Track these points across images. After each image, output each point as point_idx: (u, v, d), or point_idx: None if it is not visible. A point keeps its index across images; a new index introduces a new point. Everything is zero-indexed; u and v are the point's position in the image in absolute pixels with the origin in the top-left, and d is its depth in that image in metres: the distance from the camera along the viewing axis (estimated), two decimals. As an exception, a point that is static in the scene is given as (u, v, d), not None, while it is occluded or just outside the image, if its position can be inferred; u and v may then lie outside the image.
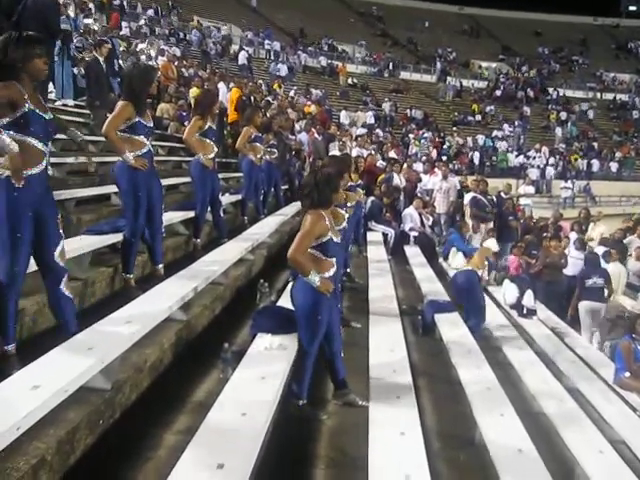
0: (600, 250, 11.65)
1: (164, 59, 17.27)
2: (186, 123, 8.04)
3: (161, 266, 5.57)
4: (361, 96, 35.54)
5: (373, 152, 17.01)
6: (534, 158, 32.80)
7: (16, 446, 2.67)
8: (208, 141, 6.89)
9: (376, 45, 44.13)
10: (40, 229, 3.63)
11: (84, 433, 3.18)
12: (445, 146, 30.63)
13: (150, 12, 31.53)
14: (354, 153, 15.26)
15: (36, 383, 2.90)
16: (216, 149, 7.06)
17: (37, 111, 3.55)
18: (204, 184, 6.90)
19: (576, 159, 34.32)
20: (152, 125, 5.43)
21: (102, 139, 9.47)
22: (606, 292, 10.18)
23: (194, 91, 13.07)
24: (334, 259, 4.42)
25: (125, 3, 30.34)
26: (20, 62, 3.50)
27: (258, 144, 8.91)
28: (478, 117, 37.60)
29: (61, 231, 3.82)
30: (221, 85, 15.58)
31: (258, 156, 8.85)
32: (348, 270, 8.29)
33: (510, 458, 3.90)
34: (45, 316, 4.15)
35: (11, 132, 3.46)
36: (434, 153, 27.95)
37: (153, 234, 5.42)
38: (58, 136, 5.23)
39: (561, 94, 42.61)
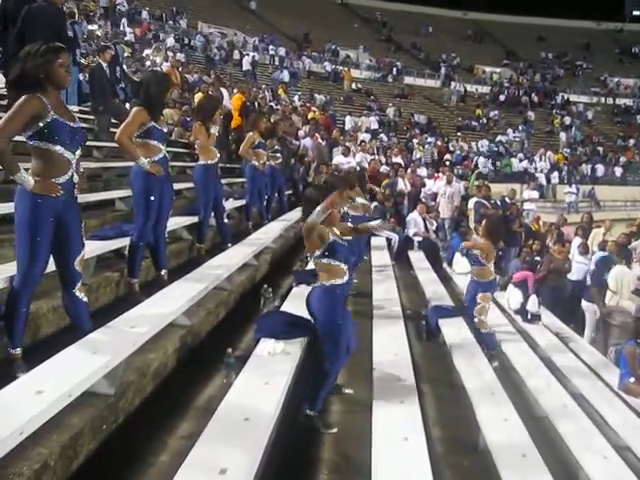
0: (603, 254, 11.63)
1: (168, 64, 17.31)
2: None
3: (165, 271, 5.60)
4: (365, 101, 35.55)
5: (376, 157, 17.04)
6: (538, 161, 32.75)
7: (19, 451, 2.67)
8: (211, 147, 6.94)
9: (380, 50, 44.17)
10: (64, 236, 3.69)
11: (87, 438, 3.18)
12: (457, 152, 30.58)
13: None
14: (358, 158, 15.30)
15: (40, 388, 2.90)
16: (218, 155, 7.10)
17: (62, 119, 3.57)
18: (207, 189, 6.94)
19: (563, 159, 34.13)
20: (166, 130, 5.53)
21: (106, 144, 9.57)
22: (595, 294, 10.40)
23: (199, 96, 13.10)
24: (345, 266, 4.49)
25: (128, 9, 30.51)
26: (44, 73, 3.55)
27: (261, 150, 8.93)
28: (482, 122, 37.56)
29: (84, 240, 3.90)
30: (223, 90, 15.62)
31: (261, 162, 8.87)
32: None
33: (514, 463, 3.88)
34: (50, 321, 4.17)
35: (36, 142, 3.53)
36: (447, 156, 28.05)
37: (156, 238, 5.45)
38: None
39: (565, 99, 42.59)
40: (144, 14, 31.88)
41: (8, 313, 3.58)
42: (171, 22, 33.54)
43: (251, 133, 8.81)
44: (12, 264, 3.76)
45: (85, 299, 3.92)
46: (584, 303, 10.33)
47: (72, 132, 3.65)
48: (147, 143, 5.16)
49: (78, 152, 3.74)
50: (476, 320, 7.10)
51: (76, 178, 3.74)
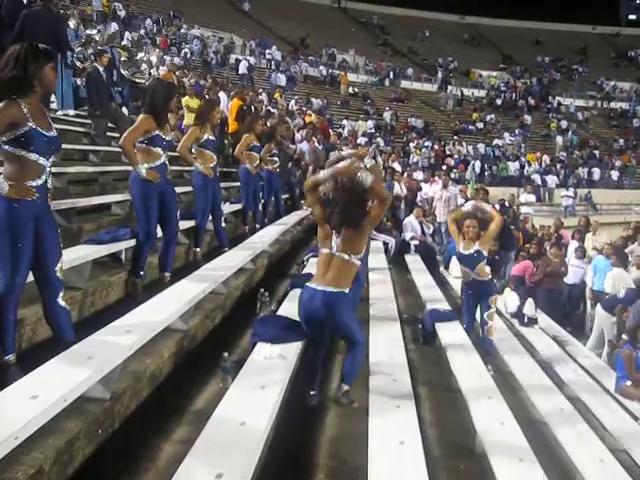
0: (601, 257, 11.66)
1: (164, 69, 17.34)
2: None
3: (168, 274, 5.75)
4: (362, 105, 35.61)
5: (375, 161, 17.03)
6: (531, 165, 32.93)
7: (14, 456, 2.66)
8: (207, 152, 6.94)
9: (377, 54, 44.26)
10: (41, 243, 3.65)
11: (83, 443, 3.17)
12: (455, 156, 30.68)
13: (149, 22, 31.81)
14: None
15: (35, 392, 2.90)
16: (215, 159, 7.10)
17: (39, 129, 3.55)
18: (205, 193, 6.94)
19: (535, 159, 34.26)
20: (170, 139, 5.63)
21: (103, 148, 9.57)
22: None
23: (186, 100, 13.09)
24: None
25: (127, 13, 30.53)
26: (34, 75, 3.54)
27: (254, 153, 8.91)
28: (479, 125, 37.65)
29: (61, 247, 3.86)
30: (221, 94, 15.62)
31: (254, 165, 8.86)
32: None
33: (511, 467, 3.87)
34: (45, 326, 4.15)
35: (10, 148, 3.50)
36: (450, 160, 28.28)
37: (167, 241, 5.67)
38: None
39: (561, 103, 42.72)
40: (148, 21, 32.05)
41: None
42: (184, 28, 33.53)
43: (247, 134, 8.80)
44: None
45: (67, 307, 3.88)
46: (601, 312, 10.14)
47: (48, 142, 3.63)
48: (149, 150, 5.31)
49: (52, 159, 3.72)
50: (486, 326, 7.03)
51: (50, 184, 3.72)
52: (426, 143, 30.53)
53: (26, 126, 3.49)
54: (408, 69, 42.70)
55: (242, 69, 30.53)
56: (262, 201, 9.86)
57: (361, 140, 24.70)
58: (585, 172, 34.74)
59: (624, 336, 9.03)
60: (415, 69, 43.45)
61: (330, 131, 20.37)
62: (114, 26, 26.96)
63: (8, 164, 3.55)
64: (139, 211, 5.40)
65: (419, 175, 19.16)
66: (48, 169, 3.67)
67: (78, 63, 12.12)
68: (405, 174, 17.04)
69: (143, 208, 5.33)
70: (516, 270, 10.24)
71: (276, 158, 10.12)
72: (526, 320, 8.88)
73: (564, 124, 39.79)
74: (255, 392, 3.80)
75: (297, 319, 4.96)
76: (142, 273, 5.49)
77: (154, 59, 19.31)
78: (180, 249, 7.06)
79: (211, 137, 7.02)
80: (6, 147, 3.51)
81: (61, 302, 3.79)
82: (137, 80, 13.82)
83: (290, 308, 5.57)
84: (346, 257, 4.51)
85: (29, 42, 3.64)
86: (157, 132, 5.29)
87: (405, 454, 3.55)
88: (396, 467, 3.40)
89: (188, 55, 29.18)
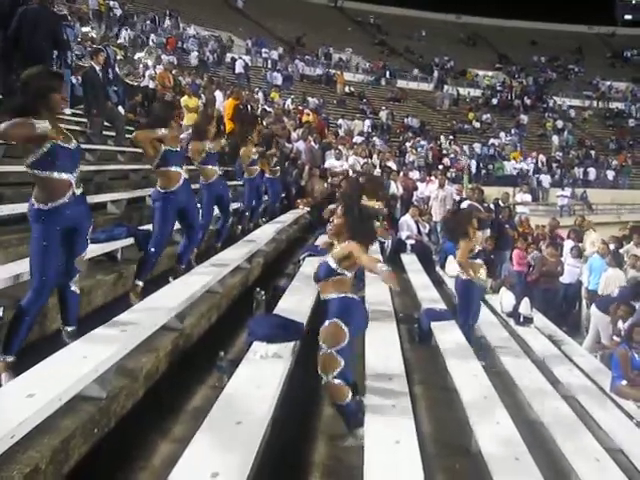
0: (596, 257, 11.68)
1: (161, 67, 17.30)
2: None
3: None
4: (358, 104, 35.59)
5: (369, 161, 17.05)
6: (529, 164, 33.01)
7: (10, 455, 2.66)
8: (210, 167, 6.93)
9: (373, 54, 44.22)
10: (70, 239, 3.86)
11: (79, 442, 3.17)
12: (452, 155, 30.72)
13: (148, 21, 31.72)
14: (350, 161, 15.31)
15: (31, 391, 2.89)
16: (219, 172, 7.11)
17: (61, 144, 3.62)
18: (209, 206, 7.00)
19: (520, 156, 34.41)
20: (179, 149, 5.64)
21: (99, 147, 9.54)
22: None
23: (185, 100, 13.05)
24: None
25: (122, 11, 30.41)
26: (41, 100, 3.58)
27: (255, 167, 8.96)
28: (475, 125, 37.68)
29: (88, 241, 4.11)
30: (217, 93, 15.61)
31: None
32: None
33: (506, 466, 3.88)
34: (40, 324, 4.15)
35: (37, 170, 3.58)
36: (446, 160, 28.37)
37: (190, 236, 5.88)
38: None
39: (558, 102, 42.79)
40: (167, 22, 32.05)
41: (15, 323, 3.62)
42: (181, 27, 33.48)
43: (245, 148, 8.81)
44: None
45: (78, 291, 4.08)
46: (596, 312, 10.14)
47: (71, 155, 3.72)
48: (167, 172, 5.34)
49: (78, 169, 3.81)
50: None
51: (78, 191, 3.82)
52: (422, 142, 30.52)
53: (48, 142, 3.55)
54: (414, 70, 42.70)
55: (238, 68, 30.50)
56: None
57: (357, 139, 24.63)
58: (581, 172, 34.81)
59: (615, 337, 9.07)
60: (411, 68, 43.41)
61: (326, 130, 20.39)
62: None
63: (37, 187, 3.68)
64: (158, 222, 5.40)
65: (415, 174, 19.17)
66: (74, 181, 3.76)
67: (77, 61, 12.06)
68: (401, 173, 17.02)
69: (162, 223, 5.38)
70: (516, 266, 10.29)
71: (277, 167, 10.29)
72: (522, 319, 8.88)
73: (560, 124, 39.82)
74: (251, 391, 3.80)
75: (292, 318, 4.98)
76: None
77: (150, 62, 19.21)
78: (177, 248, 7.04)
79: (212, 150, 7.00)
80: (33, 171, 3.59)
81: (73, 287, 4.00)
82: (129, 82, 13.76)
83: (286, 307, 5.58)
84: None
85: (39, 71, 3.68)
86: (167, 147, 5.34)
87: (401, 453, 3.55)
88: (392, 466, 3.40)
89: (195, 57, 29.11)
